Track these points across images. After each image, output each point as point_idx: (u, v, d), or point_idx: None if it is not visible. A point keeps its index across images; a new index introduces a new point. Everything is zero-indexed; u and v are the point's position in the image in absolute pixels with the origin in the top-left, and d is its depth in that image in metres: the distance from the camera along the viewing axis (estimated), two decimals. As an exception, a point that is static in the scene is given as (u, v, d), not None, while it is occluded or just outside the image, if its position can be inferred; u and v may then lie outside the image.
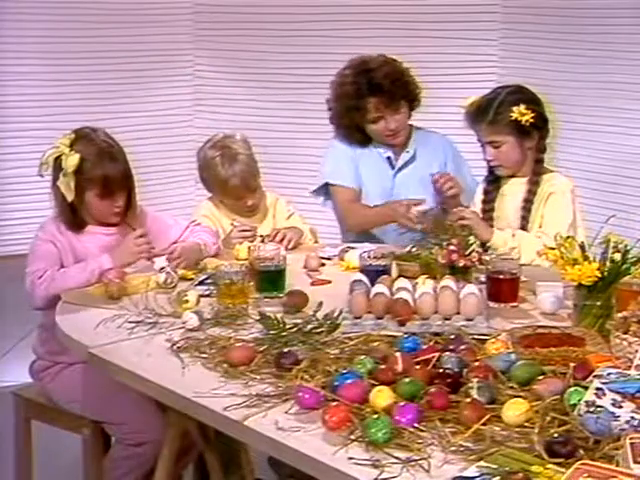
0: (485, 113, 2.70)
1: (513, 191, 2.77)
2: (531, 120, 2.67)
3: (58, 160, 2.50)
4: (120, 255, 2.49)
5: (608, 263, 2.05)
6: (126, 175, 2.56)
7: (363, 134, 3.06)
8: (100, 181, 2.49)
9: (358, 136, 3.07)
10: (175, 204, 4.06)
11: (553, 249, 2.10)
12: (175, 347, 2.01)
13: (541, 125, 2.72)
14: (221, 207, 3.02)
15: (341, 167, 3.08)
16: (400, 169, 3.08)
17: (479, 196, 2.85)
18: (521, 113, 2.66)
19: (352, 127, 3.05)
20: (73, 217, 2.54)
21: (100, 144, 2.53)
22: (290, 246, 2.80)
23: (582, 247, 2.09)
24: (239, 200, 2.98)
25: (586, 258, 2.05)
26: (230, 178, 2.91)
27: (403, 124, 3.04)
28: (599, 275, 2.03)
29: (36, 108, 4.32)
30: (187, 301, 2.25)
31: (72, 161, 2.47)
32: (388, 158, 3.09)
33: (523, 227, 2.72)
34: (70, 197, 2.49)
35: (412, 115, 3.08)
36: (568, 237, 2.10)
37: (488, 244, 2.59)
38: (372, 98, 2.98)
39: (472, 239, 2.51)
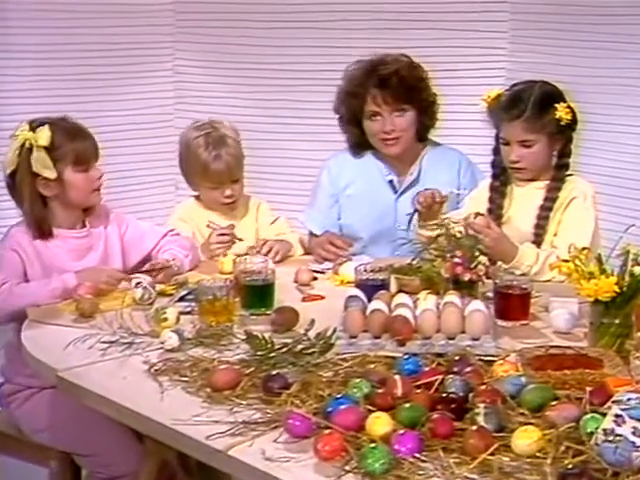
0: (519, 108, 2.69)
1: (528, 196, 2.78)
2: (569, 121, 2.69)
3: (23, 149, 2.54)
4: (88, 279, 2.50)
5: (627, 277, 2.05)
6: (97, 148, 2.65)
7: (361, 130, 3.08)
8: (75, 152, 2.57)
9: (356, 133, 3.09)
10: (154, 210, 4.06)
11: (567, 261, 2.10)
12: (153, 370, 2.01)
13: (574, 127, 2.74)
14: (199, 205, 3.03)
15: (315, 210, 3.15)
16: (403, 193, 3.10)
17: (483, 195, 2.85)
18: (565, 111, 2.68)
19: (351, 119, 3.08)
20: (41, 221, 2.57)
21: (65, 122, 2.62)
22: (277, 259, 2.82)
23: (599, 259, 2.09)
24: (218, 188, 2.99)
25: (603, 271, 2.06)
26: (214, 161, 2.95)
27: (402, 131, 3.04)
28: (617, 290, 2.03)
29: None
30: (166, 319, 2.25)
31: (43, 135, 2.54)
32: (390, 182, 3.11)
33: (537, 236, 2.73)
34: (52, 174, 2.55)
35: (424, 133, 3.09)
36: (583, 248, 2.11)
37: (513, 262, 2.56)
38: (374, 89, 3.00)
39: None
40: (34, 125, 2.58)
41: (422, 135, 3.11)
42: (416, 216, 2.75)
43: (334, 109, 3.15)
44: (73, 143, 2.59)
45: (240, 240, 2.94)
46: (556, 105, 2.69)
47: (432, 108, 3.09)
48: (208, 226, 2.98)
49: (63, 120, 2.64)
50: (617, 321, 2.06)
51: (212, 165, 2.96)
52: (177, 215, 3.07)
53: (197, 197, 3.11)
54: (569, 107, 2.70)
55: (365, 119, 3.06)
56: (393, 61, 3.04)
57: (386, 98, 3.00)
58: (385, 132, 3.03)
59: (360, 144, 3.13)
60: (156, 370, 2.01)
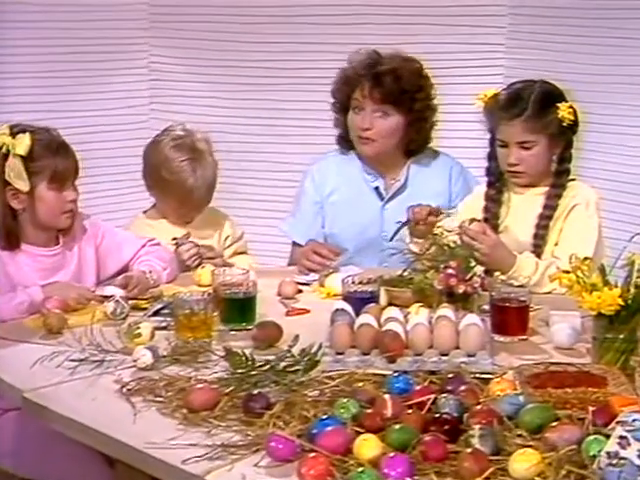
0: (519, 106, 2.71)
1: (526, 204, 2.79)
2: (571, 122, 2.70)
3: None
4: (56, 293, 2.50)
5: (632, 289, 2.06)
6: (77, 167, 2.65)
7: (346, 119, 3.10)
8: (53, 168, 2.57)
9: (343, 124, 3.12)
10: (128, 218, 4.05)
11: (568, 272, 2.11)
12: (125, 390, 2.01)
13: (575, 130, 2.75)
14: (158, 219, 3.10)
15: (299, 219, 3.18)
16: (389, 200, 3.11)
17: (478, 202, 2.86)
18: (568, 111, 2.69)
19: (341, 108, 3.11)
20: (9, 232, 2.56)
21: (49, 134, 2.61)
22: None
23: (602, 270, 2.10)
24: (198, 212, 3.07)
25: (606, 283, 2.07)
26: (199, 188, 3.03)
27: (378, 134, 3.03)
28: (622, 303, 2.04)
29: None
30: (139, 335, 2.25)
31: (22, 143, 2.53)
32: (376, 188, 3.12)
33: (536, 246, 2.73)
34: (25, 186, 2.54)
35: (410, 146, 3.10)
36: (585, 258, 2.12)
37: (510, 272, 2.57)
38: (366, 81, 3.02)
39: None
40: (15, 130, 2.57)
41: (408, 149, 3.11)
42: (405, 229, 2.75)
43: (331, 93, 3.16)
44: (53, 159, 2.58)
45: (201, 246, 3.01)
46: (558, 104, 2.71)
47: (423, 123, 3.08)
48: (175, 244, 3.01)
49: (46, 132, 2.63)
50: (621, 336, 2.06)
51: (195, 193, 3.04)
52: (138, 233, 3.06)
53: (144, 212, 3.19)
54: (571, 107, 2.72)
55: (350, 109, 3.08)
56: (400, 60, 3.05)
57: (373, 93, 3.01)
58: (361, 128, 3.04)
59: (346, 137, 3.14)
60: (128, 390, 2.01)
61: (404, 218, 2.78)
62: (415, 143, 3.11)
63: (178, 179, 3.03)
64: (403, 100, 3.03)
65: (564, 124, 2.70)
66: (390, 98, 3.02)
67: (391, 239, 2.83)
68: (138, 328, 2.26)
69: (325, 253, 2.95)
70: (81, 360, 2.17)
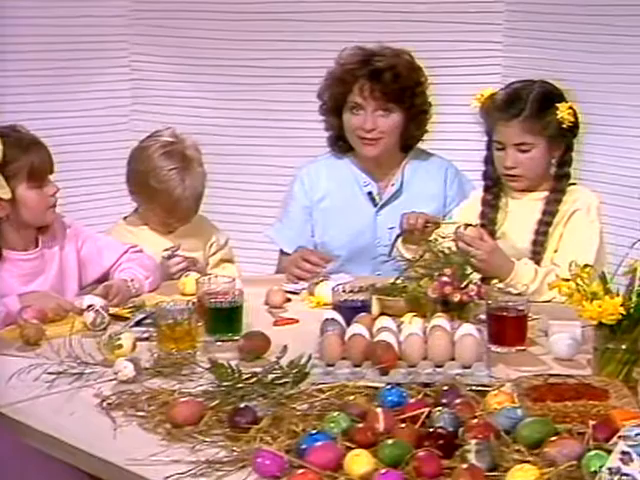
0: (517, 107, 2.72)
1: (525, 209, 2.80)
2: (571, 123, 2.71)
3: None
4: (33, 303, 2.50)
5: (634, 297, 2.07)
6: (52, 161, 2.66)
7: (342, 123, 3.09)
8: (29, 166, 2.58)
9: (336, 125, 3.11)
10: (108, 224, 4.04)
11: (567, 280, 2.12)
12: (105, 404, 2.01)
13: (576, 132, 2.76)
14: (140, 226, 3.10)
15: (287, 225, 3.18)
16: (383, 206, 3.11)
17: (475, 206, 2.86)
18: (567, 112, 2.70)
19: (333, 109, 3.10)
20: None
21: (17, 132, 2.63)
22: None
23: (603, 278, 2.11)
24: (184, 223, 3.08)
25: (608, 291, 2.07)
26: (187, 198, 3.03)
27: (383, 132, 3.04)
28: (624, 312, 2.04)
29: None
30: (120, 346, 2.25)
31: None
32: (369, 193, 3.12)
33: (535, 253, 2.74)
34: (7, 194, 2.55)
35: (409, 142, 3.11)
36: (586, 265, 2.12)
37: (508, 280, 2.58)
38: (364, 80, 3.02)
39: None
40: None
41: (406, 144, 3.12)
42: (400, 240, 2.75)
43: (318, 94, 3.16)
44: (27, 155, 2.59)
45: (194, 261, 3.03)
46: (557, 105, 2.71)
47: (422, 117, 3.10)
48: (166, 256, 3.01)
49: (14, 130, 2.64)
50: (624, 347, 2.07)
51: (183, 204, 3.04)
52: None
53: (124, 218, 3.19)
54: (571, 108, 2.72)
55: (346, 111, 3.07)
56: (393, 55, 3.06)
57: (374, 92, 3.02)
58: (364, 130, 3.04)
59: (339, 139, 3.14)
60: (109, 404, 2.00)
61: (398, 225, 2.78)
62: (414, 139, 3.12)
63: (166, 188, 3.02)
64: (404, 96, 3.04)
65: (564, 126, 2.71)
66: (391, 95, 3.02)
67: (389, 253, 2.82)
68: (119, 339, 2.26)
69: (315, 260, 2.95)
70: (59, 373, 2.16)
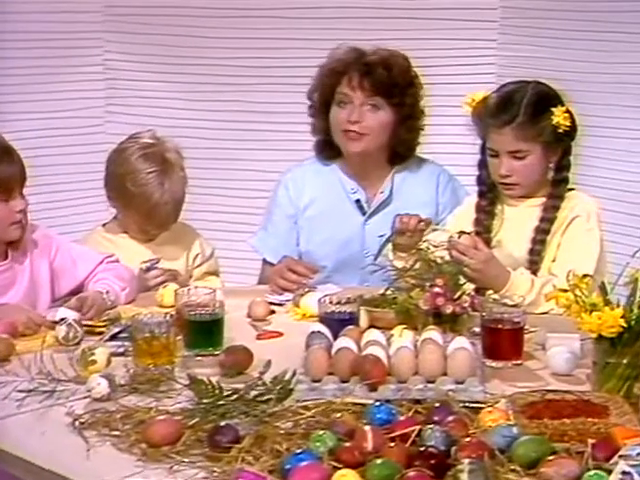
0: (510, 112, 2.72)
1: (521, 217, 2.81)
2: (567, 128, 2.71)
3: None
4: (3, 316, 2.49)
5: (636, 309, 2.07)
6: (24, 173, 2.64)
7: (328, 123, 3.10)
8: None
9: (324, 127, 3.11)
10: (81, 232, 4.03)
11: (565, 291, 2.12)
12: (78, 423, 2.00)
13: (573, 135, 2.76)
14: (119, 234, 3.10)
15: (270, 234, 3.18)
16: (372, 215, 3.12)
17: (469, 213, 2.87)
18: (563, 116, 2.70)
19: (322, 107, 3.11)
20: None
21: None
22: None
23: (603, 288, 2.11)
24: (162, 230, 3.07)
25: (608, 303, 2.08)
26: (166, 203, 3.02)
27: (369, 129, 3.04)
28: (624, 325, 2.05)
29: None
30: (94, 362, 2.24)
31: None
32: (357, 201, 3.12)
33: (532, 263, 2.75)
34: None
35: (398, 148, 3.11)
36: (584, 275, 2.13)
37: (503, 291, 2.58)
38: (354, 72, 3.04)
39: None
40: None
41: (395, 152, 3.12)
42: (390, 245, 2.76)
43: (307, 94, 3.17)
44: None
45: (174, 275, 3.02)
46: (553, 109, 2.71)
47: (413, 122, 3.10)
48: (143, 268, 3.01)
49: None
50: (625, 361, 2.07)
51: (162, 210, 3.03)
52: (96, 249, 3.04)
53: (103, 225, 3.19)
54: (568, 111, 2.72)
55: (334, 106, 3.08)
56: (388, 54, 3.08)
57: (363, 83, 3.03)
58: (350, 121, 3.04)
59: (327, 145, 3.14)
60: (82, 423, 1.99)
61: (388, 233, 2.78)
62: (403, 146, 3.12)
63: (143, 192, 3.01)
64: (394, 93, 3.05)
65: (560, 130, 2.71)
66: (381, 89, 3.03)
67: (375, 257, 2.83)
68: (93, 354, 2.25)
69: (301, 270, 2.95)
70: (30, 391, 2.15)
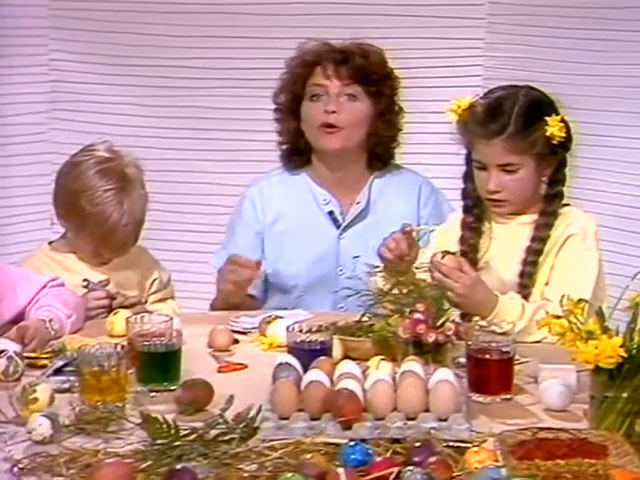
0: (500, 122, 2.73)
1: (511, 235, 2.82)
2: (562, 138, 2.73)
3: None
4: None
5: (637, 337, 2.08)
6: None
7: (298, 124, 3.12)
8: None
9: (293, 129, 3.13)
10: (21, 253, 4.02)
11: (559, 317, 2.13)
12: (16, 469, 1.98)
13: (568, 146, 2.78)
14: (66, 253, 3.07)
15: (233, 252, 3.14)
16: (347, 228, 3.14)
17: (455, 230, 2.88)
18: (558, 126, 2.71)
19: (291, 107, 3.13)
20: None
21: None
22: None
23: (600, 314, 2.12)
24: (119, 254, 3.04)
25: (606, 330, 2.09)
26: (124, 225, 2.99)
27: (347, 121, 3.06)
28: (624, 355, 2.05)
29: None
30: (36, 400, 2.23)
31: None
32: (330, 213, 3.14)
33: (523, 287, 2.75)
34: None
35: (378, 147, 3.14)
36: (580, 300, 2.14)
37: (491, 317, 2.59)
38: (328, 62, 3.07)
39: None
40: None
41: (374, 153, 3.14)
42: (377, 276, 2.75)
43: (273, 96, 3.19)
44: None
45: (115, 298, 2.99)
46: (546, 118, 2.72)
47: (392, 116, 3.14)
48: (85, 286, 2.99)
49: None
50: (625, 395, 2.07)
51: (119, 231, 2.99)
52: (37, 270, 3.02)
53: (50, 243, 3.16)
54: (563, 121, 2.73)
55: (305, 100, 3.10)
56: (363, 45, 3.12)
57: (340, 70, 3.06)
58: (327, 112, 3.06)
59: (295, 152, 3.15)
60: (21, 469, 1.98)
61: (362, 254, 2.78)
62: (382, 146, 3.14)
63: (100, 212, 2.97)
64: (372, 80, 3.09)
65: (554, 142, 2.72)
66: (359, 76, 3.07)
67: (352, 276, 2.83)
68: (34, 391, 2.24)
69: (243, 262, 2.94)
70: (-37, 432, 2.15)
